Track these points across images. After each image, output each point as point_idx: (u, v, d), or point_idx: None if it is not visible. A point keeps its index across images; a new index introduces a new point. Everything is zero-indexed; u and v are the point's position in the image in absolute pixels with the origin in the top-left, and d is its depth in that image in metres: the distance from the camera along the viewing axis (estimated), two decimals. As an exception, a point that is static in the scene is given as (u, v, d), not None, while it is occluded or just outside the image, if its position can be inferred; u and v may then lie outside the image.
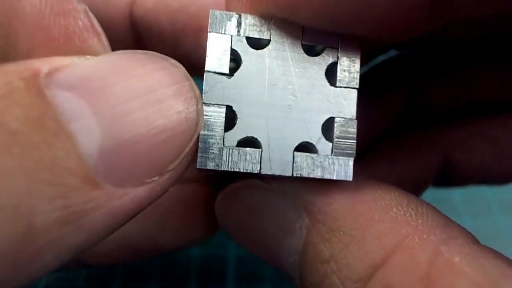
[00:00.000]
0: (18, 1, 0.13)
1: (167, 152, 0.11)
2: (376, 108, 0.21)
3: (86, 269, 0.27)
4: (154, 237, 0.22)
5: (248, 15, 0.14)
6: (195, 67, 0.21)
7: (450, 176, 0.22)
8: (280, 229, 0.15)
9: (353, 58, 0.15)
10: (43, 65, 0.10)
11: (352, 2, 0.13)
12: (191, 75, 0.13)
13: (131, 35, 0.22)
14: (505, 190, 0.37)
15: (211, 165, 0.14)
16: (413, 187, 0.21)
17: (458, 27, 0.16)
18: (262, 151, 0.14)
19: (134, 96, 0.11)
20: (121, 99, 0.11)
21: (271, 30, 0.14)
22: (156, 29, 0.21)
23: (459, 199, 0.36)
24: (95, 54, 0.13)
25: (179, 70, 0.12)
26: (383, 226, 0.13)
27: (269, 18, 0.14)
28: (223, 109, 0.14)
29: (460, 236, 0.13)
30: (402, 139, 0.22)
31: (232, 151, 0.14)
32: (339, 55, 0.14)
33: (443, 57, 0.21)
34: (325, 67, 0.14)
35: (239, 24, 0.14)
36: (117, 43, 0.22)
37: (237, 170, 0.14)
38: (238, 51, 0.14)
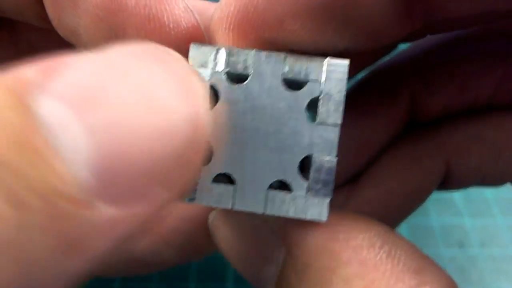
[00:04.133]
0: None
1: (171, 160, 0.10)
2: (377, 120, 0.21)
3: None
4: (160, 252, 0.22)
5: (229, 48, 0.14)
6: None
7: (449, 180, 0.22)
8: (260, 256, 0.15)
9: (336, 94, 0.14)
10: (34, 72, 0.09)
11: (340, 6, 0.13)
12: None
13: (35, 6, 0.18)
14: (505, 190, 0.37)
15: (186, 199, 0.14)
16: (419, 197, 0.21)
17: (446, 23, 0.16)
18: (236, 188, 0.14)
19: (130, 102, 0.09)
20: (115, 107, 0.09)
21: (252, 64, 0.14)
22: None
23: (459, 199, 0.36)
24: (197, 32, 0.15)
25: (184, 65, 0.11)
26: (350, 269, 0.13)
27: (251, 50, 0.14)
28: None
29: (431, 283, 0.13)
30: (402, 148, 0.21)
31: (206, 187, 0.14)
32: (321, 89, 0.14)
33: (440, 58, 0.21)
34: (306, 102, 0.14)
35: (218, 58, 0.14)
36: (18, 3, 0.18)
37: (211, 205, 0.14)
38: (217, 86, 0.14)
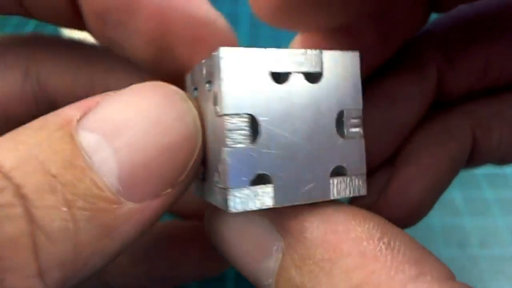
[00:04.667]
0: (169, 20, 0.17)
1: (175, 167, 0.14)
2: (410, 99, 0.21)
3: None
4: (177, 266, 0.24)
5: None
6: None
7: (474, 156, 0.22)
8: (258, 250, 0.15)
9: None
10: (76, 112, 0.13)
11: None
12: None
13: (68, 2, 0.19)
14: (505, 190, 0.37)
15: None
16: (454, 170, 0.21)
17: None
18: (205, 182, 0.16)
19: (143, 128, 0.13)
20: (132, 133, 0.13)
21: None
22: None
23: (459, 199, 0.36)
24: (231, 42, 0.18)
25: (178, 95, 0.14)
26: (351, 261, 0.13)
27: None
28: None
29: (431, 273, 0.13)
30: (432, 125, 0.21)
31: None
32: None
33: (463, 36, 0.21)
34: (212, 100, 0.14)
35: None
36: (52, 10, 0.19)
37: (194, 193, 0.16)
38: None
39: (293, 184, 0.14)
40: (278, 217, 0.15)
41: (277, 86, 0.14)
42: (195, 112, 0.14)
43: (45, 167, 0.12)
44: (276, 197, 0.14)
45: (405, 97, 0.20)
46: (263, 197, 0.14)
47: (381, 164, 0.21)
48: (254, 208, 0.14)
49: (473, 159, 0.22)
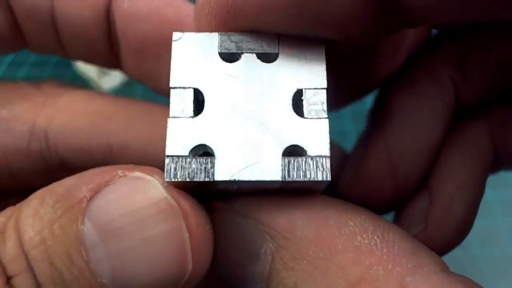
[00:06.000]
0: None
1: (160, 280, 0.14)
2: (434, 114, 0.20)
3: None
4: None
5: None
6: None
7: (493, 163, 0.21)
8: (245, 254, 0.15)
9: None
10: (87, 192, 0.13)
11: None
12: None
13: (106, 42, 0.20)
14: (505, 191, 0.37)
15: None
16: (485, 180, 0.21)
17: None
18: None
19: (136, 244, 0.13)
20: (128, 244, 0.13)
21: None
22: (134, 36, 0.19)
23: (459, 200, 0.36)
24: None
25: (182, 227, 0.14)
26: (346, 257, 0.13)
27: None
28: None
29: (428, 265, 0.13)
30: (455, 138, 0.21)
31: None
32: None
33: (473, 43, 0.20)
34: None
35: None
36: (90, 50, 0.20)
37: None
38: None
39: (238, 159, 0.14)
40: (264, 216, 0.14)
41: (226, 64, 0.15)
42: (186, 234, 0.14)
43: (51, 258, 0.13)
44: (216, 170, 0.14)
45: (430, 114, 0.20)
46: (202, 169, 0.14)
47: (418, 188, 0.21)
48: (189, 179, 0.14)
49: (494, 165, 0.21)
